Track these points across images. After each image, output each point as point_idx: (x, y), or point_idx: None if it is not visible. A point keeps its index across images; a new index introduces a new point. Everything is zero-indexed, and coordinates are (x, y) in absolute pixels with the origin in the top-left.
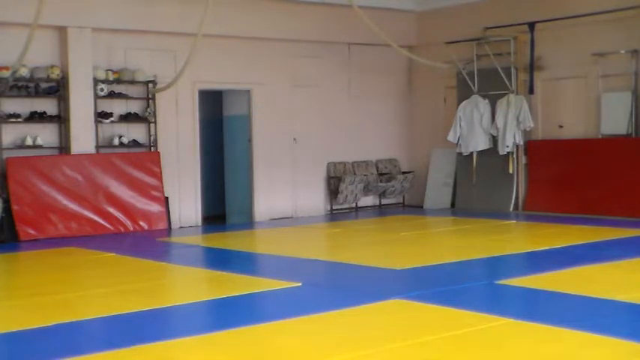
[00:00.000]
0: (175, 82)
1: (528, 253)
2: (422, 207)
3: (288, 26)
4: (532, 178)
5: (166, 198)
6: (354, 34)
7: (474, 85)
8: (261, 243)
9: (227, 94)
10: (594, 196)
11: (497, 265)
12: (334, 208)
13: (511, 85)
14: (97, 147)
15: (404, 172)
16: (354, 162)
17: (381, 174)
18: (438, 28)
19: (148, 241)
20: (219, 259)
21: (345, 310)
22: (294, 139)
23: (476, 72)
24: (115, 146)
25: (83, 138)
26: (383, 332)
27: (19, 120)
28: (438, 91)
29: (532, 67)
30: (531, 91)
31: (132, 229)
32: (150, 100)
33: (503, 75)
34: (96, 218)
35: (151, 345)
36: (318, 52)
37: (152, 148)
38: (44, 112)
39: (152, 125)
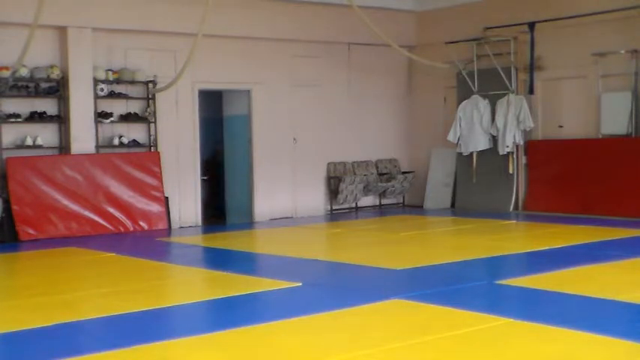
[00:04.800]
0: (175, 82)
1: (528, 253)
2: (422, 207)
3: (288, 26)
4: (532, 178)
5: (166, 198)
6: (354, 34)
7: (474, 85)
8: (261, 243)
9: (227, 94)
10: (594, 196)
11: (497, 265)
12: (334, 208)
13: (511, 85)
14: (97, 147)
15: (404, 172)
16: (354, 162)
17: (381, 174)
18: (438, 28)
19: (148, 241)
20: (219, 259)
21: (345, 310)
22: (294, 139)
23: (476, 72)
24: (115, 146)
25: (83, 138)
26: (383, 332)
27: (19, 120)
28: (438, 91)
29: (532, 67)
30: (531, 91)
31: (132, 229)
32: (150, 100)
33: (503, 75)
34: (96, 218)
35: (151, 345)
36: (318, 52)
37: (152, 148)
38: (44, 112)
39: (152, 125)
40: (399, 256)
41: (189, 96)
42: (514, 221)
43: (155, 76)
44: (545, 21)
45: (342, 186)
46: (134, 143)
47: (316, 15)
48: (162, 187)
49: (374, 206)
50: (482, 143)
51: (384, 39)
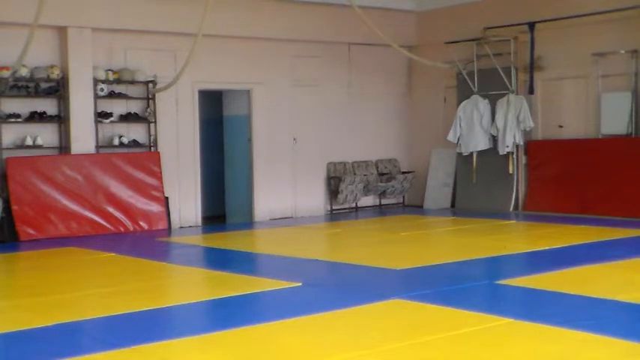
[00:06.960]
0: (175, 82)
1: (528, 253)
2: (422, 207)
3: (288, 26)
4: (532, 178)
5: (166, 198)
6: (354, 34)
7: (474, 85)
8: (261, 243)
9: (227, 94)
10: (594, 196)
11: (497, 265)
12: (334, 208)
13: (511, 85)
14: (97, 147)
15: (404, 172)
16: (354, 162)
17: (381, 174)
18: (438, 28)
19: (148, 241)
20: (219, 259)
21: (345, 310)
22: (294, 139)
23: (476, 72)
24: (115, 146)
25: (83, 138)
26: (383, 332)
27: (19, 120)
28: (438, 91)
29: (532, 67)
30: (531, 91)
31: (132, 229)
32: (150, 100)
33: (503, 75)
34: (96, 218)
35: (151, 345)
36: (318, 52)
37: (152, 148)
38: (44, 112)
39: (152, 125)
40: (399, 256)
41: (189, 96)
42: (514, 221)
43: (155, 76)
44: (545, 21)
45: (342, 186)
46: (134, 143)
47: (316, 15)
48: (163, 187)
49: (374, 206)
50: (482, 143)
51: (384, 39)
